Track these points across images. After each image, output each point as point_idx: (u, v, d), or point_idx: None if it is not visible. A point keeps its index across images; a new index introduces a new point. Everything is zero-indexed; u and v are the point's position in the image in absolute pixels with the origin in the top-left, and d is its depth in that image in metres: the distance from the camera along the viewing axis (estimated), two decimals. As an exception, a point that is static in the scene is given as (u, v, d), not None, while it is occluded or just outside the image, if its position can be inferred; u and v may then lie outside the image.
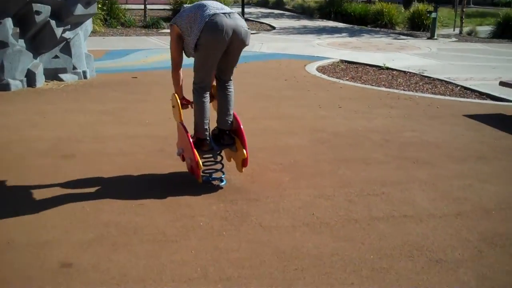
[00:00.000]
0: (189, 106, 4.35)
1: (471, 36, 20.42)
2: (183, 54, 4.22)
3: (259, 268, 3.04)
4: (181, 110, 4.20)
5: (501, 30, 19.52)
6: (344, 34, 17.97)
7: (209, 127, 4.18)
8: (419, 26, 20.77)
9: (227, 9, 3.97)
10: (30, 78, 7.73)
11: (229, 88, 4.22)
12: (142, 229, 3.48)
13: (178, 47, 4.17)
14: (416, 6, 21.90)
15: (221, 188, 4.21)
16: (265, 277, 2.95)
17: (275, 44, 14.42)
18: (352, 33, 18.44)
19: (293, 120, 6.42)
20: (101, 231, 3.44)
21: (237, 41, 3.94)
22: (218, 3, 4.07)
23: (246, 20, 17.47)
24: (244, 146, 4.18)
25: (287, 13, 26.94)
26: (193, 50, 3.92)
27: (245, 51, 12.62)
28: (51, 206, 3.79)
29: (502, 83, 7.19)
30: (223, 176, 4.32)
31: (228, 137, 4.23)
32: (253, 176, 4.45)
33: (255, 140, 5.23)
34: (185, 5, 4.30)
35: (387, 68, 10.98)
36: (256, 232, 3.49)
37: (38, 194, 3.99)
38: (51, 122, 5.98)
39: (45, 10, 7.53)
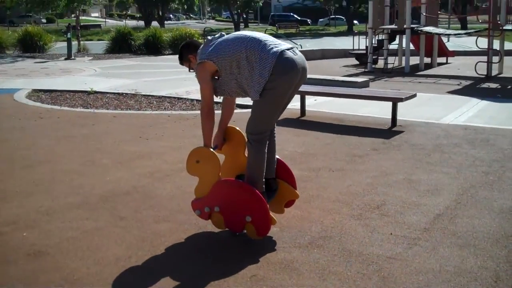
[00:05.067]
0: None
1: (85, 52, 20.30)
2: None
3: None
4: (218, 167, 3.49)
5: (118, 45, 20.22)
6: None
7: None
8: (34, 47, 19.79)
9: (286, 44, 3.39)
10: None
11: (275, 134, 3.64)
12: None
13: (212, 90, 3.38)
14: (25, 27, 20.70)
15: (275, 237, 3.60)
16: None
17: None
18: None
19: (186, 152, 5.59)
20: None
21: (302, 81, 3.41)
22: (270, 36, 3.41)
23: None
24: (294, 186, 3.74)
25: None
26: (258, 95, 3.23)
27: None
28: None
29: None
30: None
31: (274, 181, 3.67)
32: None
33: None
34: (210, 37, 3.40)
35: (95, 92, 10.31)
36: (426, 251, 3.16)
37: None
38: None
39: None
